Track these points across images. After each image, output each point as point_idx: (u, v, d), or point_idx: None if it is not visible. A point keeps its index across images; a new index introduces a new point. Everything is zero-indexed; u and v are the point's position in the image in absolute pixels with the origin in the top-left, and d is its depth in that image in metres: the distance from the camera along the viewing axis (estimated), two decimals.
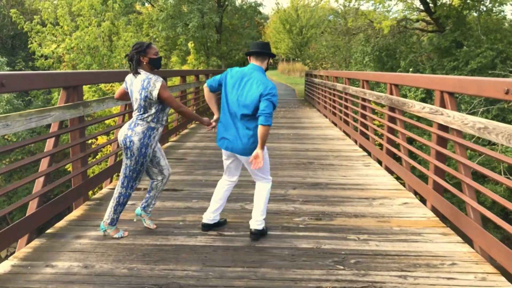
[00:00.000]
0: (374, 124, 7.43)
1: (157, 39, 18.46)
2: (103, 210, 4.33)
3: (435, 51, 14.09)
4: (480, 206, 3.43)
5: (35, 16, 14.11)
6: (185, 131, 9.80)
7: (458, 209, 3.81)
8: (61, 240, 3.56)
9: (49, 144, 3.96)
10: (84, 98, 12.11)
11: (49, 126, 4.08)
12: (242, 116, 3.36)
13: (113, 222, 3.60)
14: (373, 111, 7.70)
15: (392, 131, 6.19)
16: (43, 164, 3.85)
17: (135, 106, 3.45)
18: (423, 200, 4.80)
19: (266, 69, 3.60)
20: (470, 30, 13.85)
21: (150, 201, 3.81)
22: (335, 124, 10.95)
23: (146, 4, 21.92)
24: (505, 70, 12.47)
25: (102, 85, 12.10)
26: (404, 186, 5.34)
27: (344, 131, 9.70)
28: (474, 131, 3.46)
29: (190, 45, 17.32)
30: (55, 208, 3.90)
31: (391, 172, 6.05)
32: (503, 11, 14.46)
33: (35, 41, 13.66)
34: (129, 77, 3.51)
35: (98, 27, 13.62)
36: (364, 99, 7.79)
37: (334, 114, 11.13)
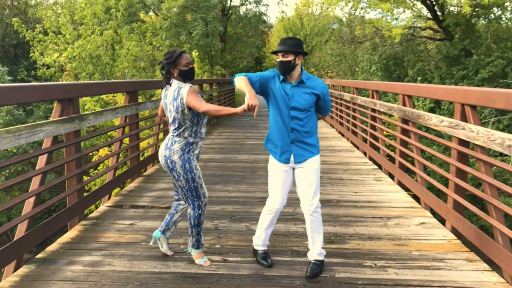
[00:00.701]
0: (384, 136, 7.13)
1: (160, 48, 18.30)
2: (99, 230, 4.05)
3: (444, 60, 13.81)
4: (510, 230, 3.12)
5: (37, 25, 13.97)
6: None
7: (483, 232, 3.50)
8: (51, 267, 3.27)
9: (41, 161, 3.69)
10: (86, 108, 11.90)
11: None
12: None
13: (195, 245, 3.37)
14: (384, 123, 7.41)
15: (405, 144, 5.89)
16: (34, 183, 3.57)
17: (170, 120, 3.20)
18: (441, 220, 4.49)
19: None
20: (479, 39, 13.57)
21: (171, 225, 3.50)
22: (342, 135, 10.66)
23: (150, 13, 21.83)
24: None
25: (104, 95, 11.92)
26: (420, 203, 5.03)
27: (352, 142, 9.41)
28: (503, 148, 3.16)
29: (194, 53, 17.13)
30: (48, 230, 3.62)
31: (404, 187, 5.75)
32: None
33: (37, 50, 13.49)
34: (163, 90, 3.29)
35: (101, 35, 13.43)
36: (374, 110, 7.51)
37: (341, 124, 10.84)
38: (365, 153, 8.06)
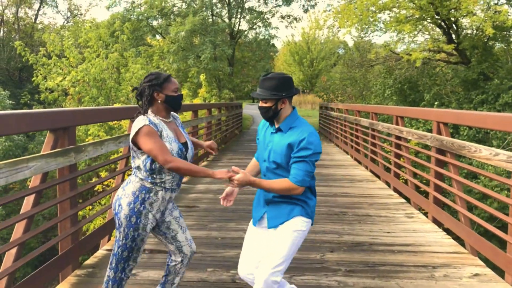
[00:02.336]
0: (412, 165, 6.51)
1: (167, 71, 17.97)
2: (96, 283, 3.42)
3: (461, 84, 13.27)
4: None
5: (41, 48, 13.63)
6: None
7: None
8: None
9: (28, 202, 3.10)
10: (89, 132, 11.38)
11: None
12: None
13: None
14: (411, 151, 6.81)
15: (440, 176, 5.26)
16: (17, 231, 2.97)
17: None
18: (494, 267, 3.83)
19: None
20: (498, 62, 13.06)
21: (169, 287, 2.83)
22: (359, 162, 10.03)
23: (157, 37, 21.61)
24: None
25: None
26: (465, 247, 4.37)
27: (371, 171, 8.77)
28: None
29: (202, 77, 16.76)
30: (32, 287, 3.00)
31: (441, 226, 5.09)
32: None
33: (40, 74, 13.10)
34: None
35: (106, 58, 13.05)
36: (399, 137, 6.91)
37: (358, 151, 10.23)
38: (388, 184, 7.43)
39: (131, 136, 2.42)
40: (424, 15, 11.89)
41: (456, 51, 13.71)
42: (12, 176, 2.72)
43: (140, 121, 2.41)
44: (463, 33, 14.16)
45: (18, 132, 3.00)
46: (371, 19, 12.66)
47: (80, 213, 7.95)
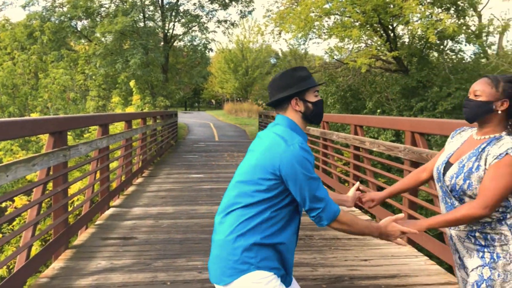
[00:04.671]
0: (376, 178, 5.99)
1: (93, 77, 16.38)
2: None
3: (401, 91, 13.34)
4: None
5: None
6: (130, 189, 7.80)
7: None
8: None
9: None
10: (0, 147, 9.73)
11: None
12: None
13: None
14: (373, 163, 6.30)
15: (416, 193, 4.74)
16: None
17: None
18: None
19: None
20: (435, 69, 13.29)
21: None
22: None
23: (82, 41, 19.79)
24: None
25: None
26: (453, 273, 3.82)
27: (324, 183, 8.21)
28: None
29: (132, 83, 15.45)
30: None
31: (418, 247, 4.56)
32: (462, 50, 14.18)
33: None
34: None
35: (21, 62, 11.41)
36: (358, 148, 6.37)
37: None
38: None
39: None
40: (368, 21, 11.76)
41: (394, 59, 13.79)
42: None
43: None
44: (400, 41, 14.32)
45: None
46: (317, 23, 12.33)
47: None
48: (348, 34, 11.19)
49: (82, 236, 4.87)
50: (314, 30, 12.60)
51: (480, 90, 1.85)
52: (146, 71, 15.31)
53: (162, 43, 18.52)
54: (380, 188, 6.12)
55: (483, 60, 14.21)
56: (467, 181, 1.79)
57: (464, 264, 1.93)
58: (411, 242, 4.67)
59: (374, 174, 6.15)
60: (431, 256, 4.40)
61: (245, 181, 1.82)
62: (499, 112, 1.82)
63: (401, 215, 1.88)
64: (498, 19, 14.17)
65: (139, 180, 8.69)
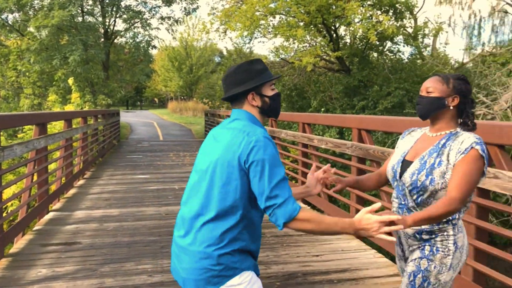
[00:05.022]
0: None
1: (27, 74, 15.36)
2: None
3: (344, 91, 13.75)
4: None
5: None
6: (71, 191, 7.39)
7: None
8: None
9: None
10: None
11: None
12: None
13: None
14: (320, 160, 6.41)
15: None
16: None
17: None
18: None
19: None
20: (375, 69, 13.83)
21: None
22: None
23: (14, 35, 18.47)
24: (413, 109, 12.46)
25: None
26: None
27: None
28: None
29: (70, 81, 14.67)
30: None
31: (366, 241, 4.70)
32: (400, 51, 14.85)
33: None
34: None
35: None
36: (306, 145, 6.47)
37: None
38: None
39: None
40: (312, 21, 11.98)
41: (337, 59, 14.18)
42: None
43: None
44: (342, 41, 14.75)
45: None
46: (262, 22, 12.36)
47: None
48: (293, 34, 11.36)
49: (19, 244, 4.53)
50: (260, 29, 12.66)
51: (432, 87, 1.91)
52: (86, 68, 14.58)
53: (102, 39, 17.76)
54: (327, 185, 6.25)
55: (419, 61, 14.99)
56: (430, 177, 1.83)
57: (405, 256, 2.00)
58: (359, 236, 4.80)
59: None
60: (378, 249, 4.55)
61: (212, 183, 1.72)
62: (451, 108, 1.88)
63: (378, 204, 1.67)
64: (432, 23, 14.98)
65: (81, 182, 8.26)
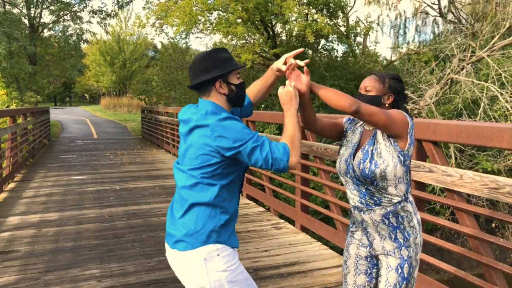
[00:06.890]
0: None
1: None
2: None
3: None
4: None
5: None
6: (2, 195, 6.92)
7: None
8: None
9: None
10: None
11: None
12: None
13: None
14: None
15: (306, 183, 5.07)
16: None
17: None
18: None
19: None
20: (311, 67, 14.25)
21: None
22: None
23: None
24: None
25: None
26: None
27: None
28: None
29: None
30: None
31: (311, 234, 4.90)
32: (334, 49, 15.41)
33: None
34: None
35: None
36: None
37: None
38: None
39: None
40: (250, 18, 12.10)
41: (275, 56, 14.44)
42: None
43: None
44: (279, 39, 15.03)
45: None
46: (201, 18, 12.26)
47: None
48: (233, 31, 11.41)
49: None
50: (199, 25, 12.55)
51: (370, 85, 2.07)
52: (11, 62, 13.59)
53: (28, 32, 16.62)
54: (271, 180, 6.42)
55: (351, 59, 15.67)
56: (373, 161, 1.98)
57: (372, 245, 2.09)
58: (304, 230, 5.00)
59: None
60: (323, 241, 4.76)
61: (194, 167, 1.85)
62: (387, 105, 2.06)
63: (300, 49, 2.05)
64: (362, 22, 15.71)
65: (11, 185, 7.76)
